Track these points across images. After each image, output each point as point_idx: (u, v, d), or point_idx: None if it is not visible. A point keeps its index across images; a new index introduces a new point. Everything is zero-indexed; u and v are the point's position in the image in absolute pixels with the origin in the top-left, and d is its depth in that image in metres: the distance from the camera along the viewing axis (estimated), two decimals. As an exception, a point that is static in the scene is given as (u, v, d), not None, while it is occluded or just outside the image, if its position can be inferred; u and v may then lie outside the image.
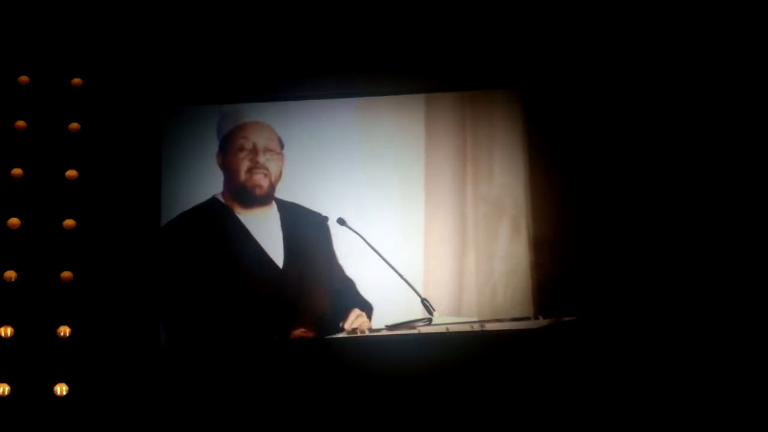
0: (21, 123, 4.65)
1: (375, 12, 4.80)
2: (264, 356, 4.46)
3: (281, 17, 4.80)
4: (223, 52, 4.76)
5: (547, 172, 4.62)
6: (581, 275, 4.49)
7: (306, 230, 4.61)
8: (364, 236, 4.57)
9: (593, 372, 4.37)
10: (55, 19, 4.73)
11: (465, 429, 4.34)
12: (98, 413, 4.38)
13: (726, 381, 4.34)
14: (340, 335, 4.45)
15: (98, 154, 4.65)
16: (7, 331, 4.43)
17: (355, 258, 4.58)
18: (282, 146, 4.67)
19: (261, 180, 4.61)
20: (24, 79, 4.69)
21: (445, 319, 4.46)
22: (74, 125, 4.67)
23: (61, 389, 4.39)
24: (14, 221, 4.55)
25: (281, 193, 4.65)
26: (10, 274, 4.49)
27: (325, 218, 4.61)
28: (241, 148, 4.65)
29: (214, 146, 4.69)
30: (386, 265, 4.51)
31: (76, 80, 4.71)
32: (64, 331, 4.46)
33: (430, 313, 4.44)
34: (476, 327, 4.46)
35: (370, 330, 4.45)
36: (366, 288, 4.55)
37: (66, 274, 4.52)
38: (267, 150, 4.65)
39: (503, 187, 4.67)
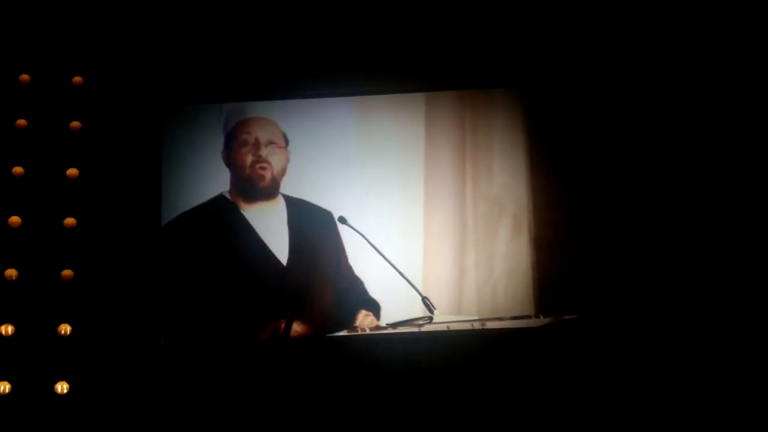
0: (22, 121, 4.65)
1: (374, 11, 4.80)
2: (265, 354, 4.46)
3: (281, 17, 4.80)
4: (224, 52, 4.76)
5: (547, 170, 4.63)
6: (582, 274, 4.50)
7: (313, 227, 4.62)
8: (364, 234, 4.57)
9: (594, 370, 4.38)
10: (55, 18, 4.73)
11: (466, 427, 4.34)
12: (99, 411, 4.38)
13: (726, 381, 4.35)
14: (341, 333, 4.46)
15: (99, 152, 4.65)
16: (8, 329, 4.43)
17: (355, 256, 4.58)
18: (287, 142, 4.68)
19: (263, 172, 4.62)
20: (25, 77, 4.69)
21: (445, 318, 4.46)
22: (75, 124, 4.67)
23: (61, 387, 4.39)
24: (15, 219, 4.55)
25: (286, 190, 4.66)
26: (11, 273, 4.49)
27: (332, 215, 4.61)
28: (245, 143, 4.66)
29: (214, 145, 4.70)
30: (386, 263, 4.52)
31: (77, 79, 4.71)
32: (65, 329, 4.46)
33: (431, 311, 4.44)
34: (477, 325, 4.46)
35: (371, 328, 4.46)
36: (366, 287, 4.56)
37: (67, 273, 4.52)
38: (269, 143, 4.66)
39: (503, 186, 4.68)
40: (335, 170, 4.69)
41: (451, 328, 4.45)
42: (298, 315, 4.49)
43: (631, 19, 4.72)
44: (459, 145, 4.74)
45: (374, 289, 4.56)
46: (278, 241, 4.58)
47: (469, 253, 4.63)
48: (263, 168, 4.63)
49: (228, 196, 4.64)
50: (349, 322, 4.50)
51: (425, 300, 4.47)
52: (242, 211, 4.62)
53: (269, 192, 4.64)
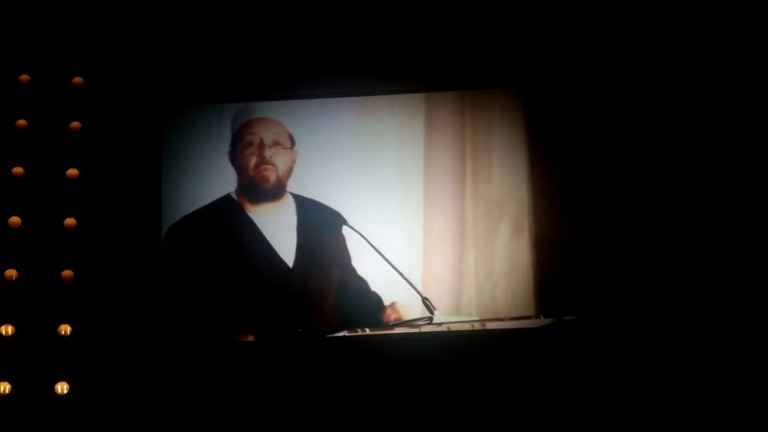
0: (22, 122, 4.64)
1: (374, 11, 4.80)
2: (265, 354, 4.46)
3: (282, 17, 4.80)
4: (224, 52, 4.76)
5: (547, 171, 4.63)
6: (582, 274, 4.50)
7: (321, 227, 4.61)
8: (364, 235, 4.57)
9: (594, 371, 4.38)
10: (56, 18, 4.73)
11: (466, 428, 4.34)
12: (99, 412, 4.38)
13: (726, 381, 4.35)
14: (341, 333, 4.46)
15: (99, 153, 4.65)
16: (8, 329, 4.43)
17: (357, 256, 4.58)
18: (293, 142, 4.68)
19: (267, 173, 4.62)
20: (25, 77, 4.69)
21: (445, 318, 4.46)
22: (75, 124, 4.66)
23: (61, 388, 4.39)
24: (15, 220, 4.55)
25: (290, 189, 4.66)
26: (11, 273, 4.49)
27: (341, 215, 4.62)
28: (249, 144, 4.66)
29: (215, 145, 4.70)
30: (386, 263, 4.52)
31: (77, 79, 4.70)
32: (65, 329, 4.46)
33: (431, 312, 4.44)
34: (477, 326, 4.46)
35: (371, 329, 4.46)
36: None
37: (67, 273, 4.52)
38: (275, 144, 4.65)
39: (503, 186, 4.68)
40: (335, 170, 4.69)
41: (452, 329, 4.45)
42: (303, 317, 4.49)
43: (631, 19, 4.72)
44: (459, 146, 4.74)
45: (375, 290, 4.56)
46: (284, 242, 4.58)
47: (468, 253, 4.63)
48: (267, 169, 4.63)
49: (234, 196, 4.65)
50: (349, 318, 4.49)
51: (425, 300, 4.47)
52: (247, 212, 4.63)
53: (274, 193, 4.64)
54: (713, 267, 4.48)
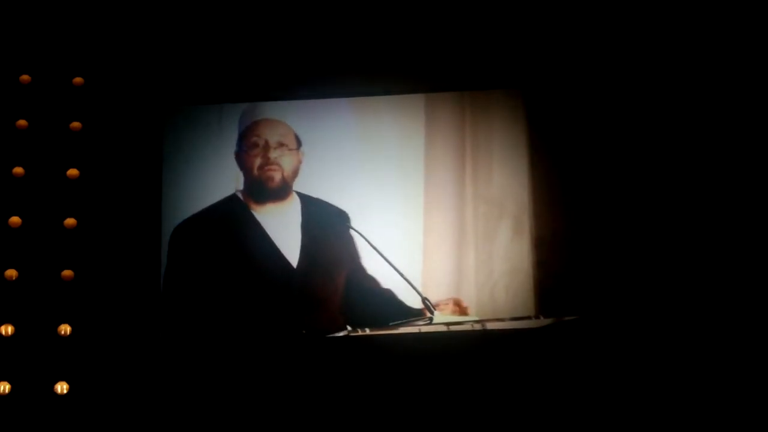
0: (22, 122, 4.65)
1: (374, 11, 4.80)
2: (265, 354, 4.46)
3: (282, 17, 4.80)
4: (225, 52, 4.76)
5: (548, 171, 4.63)
6: (582, 275, 4.50)
7: (327, 227, 4.61)
8: (364, 235, 4.57)
9: (594, 371, 4.38)
10: (56, 18, 4.73)
11: (466, 428, 4.34)
12: (99, 411, 4.38)
13: (726, 380, 4.35)
14: (341, 333, 4.45)
15: (99, 153, 4.65)
16: (8, 329, 4.44)
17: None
18: (299, 143, 4.67)
19: (272, 174, 4.62)
20: (25, 78, 4.69)
21: (445, 319, 4.46)
22: (75, 124, 4.67)
23: (61, 388, 4.39)
24: (15, 220, 4.56)
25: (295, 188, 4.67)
26: (11, 273, 4.50)
27: (348, 215, 4.61)
28: (254, 145, 4.66)
29: (215, 145, 4.71)
30: (386, 263, 4.52)
31: (78, 79, 4.71)
32: (65, 329, 4.46)
33: (431, 312, 4.44)
34: (477, 326, 4.46)
35: (372, 328, 4.46)
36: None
37: (67, 273, 4.52)
38: (279, 146, 4.65)
39: (503, 187, 4.67)
40: (334, 170, 4.69)
41: (451, 329, 4.44)
42: (307, 317, 4.49)
43: (632, 19, 4.72)
44: (459, 146, 4.74)
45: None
46: (289, 242, 4.59)
47: (468, 253, 4.62)
48: (272, 170, 4.63)
49: (240, 196, 4.65)
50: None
51: (425, 301, 4.46)
52: (253, 212, 4.63)
53: (279, 193, 4.64)
54: (713, 267, 4.47)
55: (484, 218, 4.66)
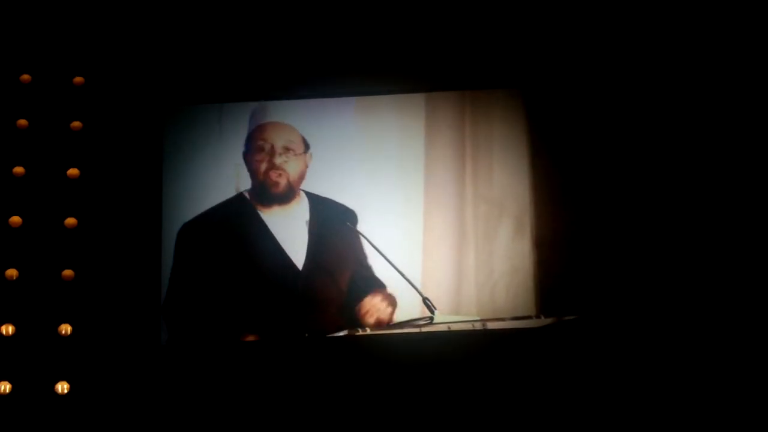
0: (23, 121, 4.64)
1: (374, 10, 4.80)
2: (266, 354, 4.46)
3: (282, 17, 4.80)
4: (225, 52, 4.76)
5: (549, 171, 4.63)
6: (583, 274, 4.50)
7: (335, 228, 4.61)
8: (364, 235, 4.58)
9: (595, 371, 4.38)
10: (57, 18, 4.73)
11: (467, 428, 4.34)
12: (99, 411, 4.38)
13: (726, 380, 4.35)
14: (341, 333, 4.46)
15: (100, 152, 4.65)
16: (9, 329, 4.43)
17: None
18: (307, 146, 4.67)
19: (277, 179, 4.62)
20: (26, 77, 4.69)
21: (446, 318, 4.46)
22: (76, 124, 4.67)
23: (62, 387, 4.38)
24: (16, 219, 4.55)
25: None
26: (12, 273, 4.49)
27: (356, 215, 4.62)
28: (260, 149, 4.65)
29: (215, 145, 4.70)
30: (386, 263, 4.52)
31: (78, 79, 4.70)
32: (66, 329, 4.45)
33: (432, 312, 4.44)
34: (478, 326, 4.46)
35: (372, 328, 4.46)
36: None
37: (67, 273, 4.52)
38: (285, 151, 4.64)
39: (504, 186, 4.67)
40: (334, 170, 4.69)
41: (452, 329, 4.45)
42: (310, 318, 4.49)
43: (632, 19, 4.72)
44: (459, 146, 4.74)
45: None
46: (295, 242, 4.58)
47: (469, 253, 4.63)
48: (277, 175, 4.62)
49: (247, 195, 4.65)
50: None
51: (426, 300, 4.46)
52: (259, 212, 4.63)
53: (285, 198, 4.63)
54: (714, 266, 4.47)
55: (485, 218, 4.66)
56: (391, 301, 4.51)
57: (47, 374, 4.39)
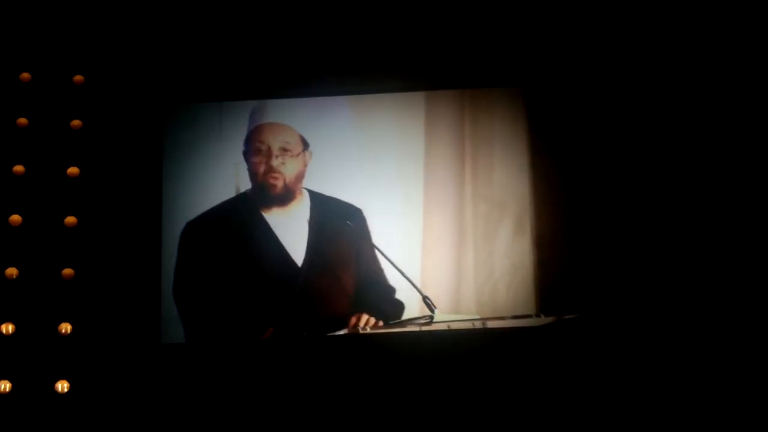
0: (23, 120, 4.65)
1: (374, 9, 4.80)
2: (265, 354, 4.46)
3: (282, 16, 4.80)
4: (225, 51, 4.76)
5: (549, 170, 4.63)
6: (583, 273, 4.50)
7: (337, 226, 4.61)
8: (365, 233, 4.58)
9: (595, 370, 4.38)
10: (57, 17, 4.73)
11: (467, 426, 4.34)
12: (99, 411, 4.38)
13: (726, 380, 4.35)
14: (341, 333, 4.46)
15: (100, 151, 4.65)
16: (9, 327, 4.43)
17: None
18: (305, 145, 4.66)
19: (274, 181, 4.61)
20: (26, 76, 4.69)
21: (446, 317, 4.45)
22: (76, 122, 4.67)
23: (62, 386, 4.39)
24: (16, 218, 4.55)
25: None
26: (12, 271, 4.49)
27: (362, 212, 4.62)
28: (257, 151, 4.65)
29: (215, 144, 4.70)
30: (387, 262, 4.52)
31: (78, 77, 4.71)
32: (66, 328, 4.46)
33: (432, 310, 4.44)
34: (478, 325, 4.45)
35: (372, 327, 4.46)
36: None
37: (67, 271, 4.52)
38: (282, 152, 4.64)
39: (504, 186, 4.67)
40: (334, 169, 4.69)
41: (452, 328, 4.44)
42: (309, 317, 4.49)
43: (633, 18, 4.72)
44: (459, 144, 4.74)
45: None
46: (296, 242, 4.58)
47: (468, 252, 4.63)
48: (274, 178, 4.62)
49: (250, 195, 4.64)
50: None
51: (426, 299, 4.46)
52: (262, 211, 4.63)
53: (283, 199, 4.62)
54: (714, 266, 4.48)
55: (484, 217, 4.66)
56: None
57: (47, 373, 4.40)
